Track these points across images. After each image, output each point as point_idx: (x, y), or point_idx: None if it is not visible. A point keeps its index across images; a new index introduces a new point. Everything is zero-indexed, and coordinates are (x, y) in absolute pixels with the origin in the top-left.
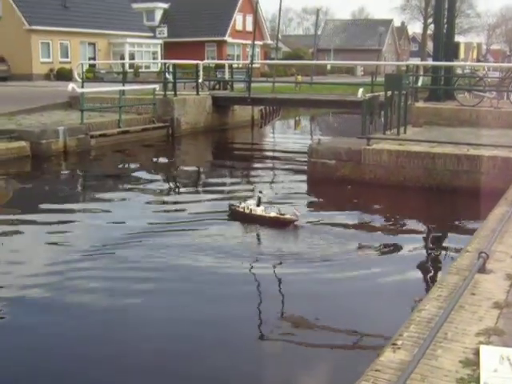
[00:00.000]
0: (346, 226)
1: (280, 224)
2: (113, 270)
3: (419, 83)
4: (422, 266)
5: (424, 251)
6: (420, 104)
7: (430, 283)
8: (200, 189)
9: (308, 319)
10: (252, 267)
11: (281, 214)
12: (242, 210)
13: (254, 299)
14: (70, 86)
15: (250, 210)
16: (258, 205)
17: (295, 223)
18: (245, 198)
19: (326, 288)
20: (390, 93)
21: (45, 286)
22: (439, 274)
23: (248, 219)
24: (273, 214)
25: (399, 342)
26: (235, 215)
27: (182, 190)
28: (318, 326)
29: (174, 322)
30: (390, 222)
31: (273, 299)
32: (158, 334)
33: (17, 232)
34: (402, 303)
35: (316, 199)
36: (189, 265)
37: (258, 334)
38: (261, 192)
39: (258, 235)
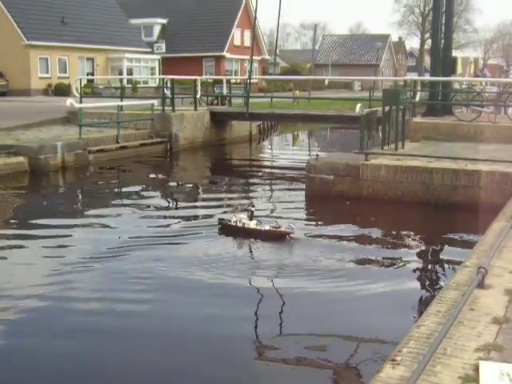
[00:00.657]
0: (344, 240)
1: (275, 237)
2: (107, 283)
3: (417, 98)
4: (420, 282)
5: (422, 266)
6: (418, 119)
7: (428, 298)
8: (197, 204)
9: (305, 334)
10: (249, 281)
11: (275, 227)
12: (233, 224)
13: (250, 313)
14: (69, 101)
15: (243, 223)
16: (251, 218)
17: (291, 235)
18: (235, 212)
19: (323, 302)
20: (387, 108)
21: (40, 301)
22: (438, 290)
23: (241, 233)
24: (267, 227)
25: (398, 358)
26: (226, 230)
27: (179, 204)
28: (316, 341)
29: (168, 335)
30: (389, 237)
31: (270, 314)
32: (151, 349)
33: (14, 247)
34: (401, 319)
35: (314, 214)
36: (183, 279)
37: (255, 349)
38: (253, 206)
39: (253, 249)
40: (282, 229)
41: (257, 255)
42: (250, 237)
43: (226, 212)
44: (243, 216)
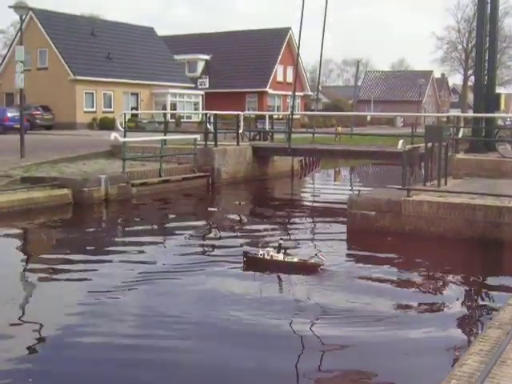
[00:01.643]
0: (385, 278)
1: (306, 269)
2: (143, 316)
3: (460, 134)
4: (463, 320)
5: (465, 305)
6: (461, 155)
7: (471, 337)
8: (238, 239)
9: (344, 377)
10: (285, 324)
11: (305, 260)
12: (261, 256)
13: (285, 353)
14: (113, 135)
15: (271, 256)
16: (279, 251)
17: (321, 268)
18: (262, 245)
19: (362, 343)
20: (430, 144)
21: (81, 334)
22: (481, 328)
23: (268, 266)
24: (296, 259)
25: None
26: (252, 263)
27: (219, 239)
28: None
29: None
30: (430, 275)
31: (307, 354)
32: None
33: (55, 279)
34: (443, 358)
35: (355, 250)
36: (216, 319)
37: None
38: (281, 239)
39: (285, 286)
40: (313, 261)
41: (290, 294)
42: (278, 270)
43: (264, 246)
44: (270, 249)
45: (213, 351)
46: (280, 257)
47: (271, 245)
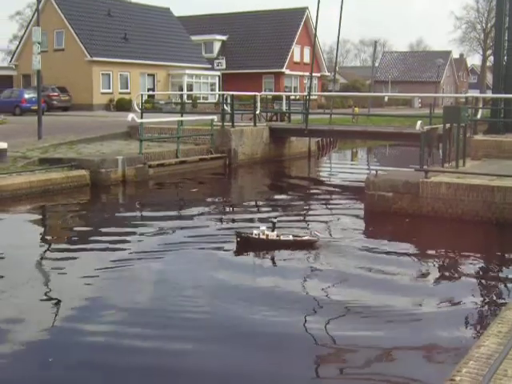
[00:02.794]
0: (401, 260)
1: (302, 246)
2: (155, 297)
3: (478, 115)
4: (480, 302)
5: (483, 286)
6: (479, 137)
7: (489, 319)
8: (255, 217)
9: (365, 348)
10: (304, 322)
11: (299, 237)
12: (256, 236)
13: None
14: (130, 116)
15: (267, 235)
16: (273, 230)
17: (316, 244)
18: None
19: (381, 315)
20: (448, 125)
21: (96, 315)
22: (499, 310)
23: (263, 246)
24: (291, 237)
25: (457, 378)
26: (246, 244)
27: (235, 220)
28: (377, 356)
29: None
30: (447, 256)
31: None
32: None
33: (72, 258)
34: (460, 338)
35: (373, 231)
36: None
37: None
38: (275, 217)
39: (310, 263)
40: (307, 238)
41: (314, 265)
42: (273, 248)
43: (281, 227)
44: (264, 228)
45: (222, 338)
46: (275, 236)
47: (289, 228)
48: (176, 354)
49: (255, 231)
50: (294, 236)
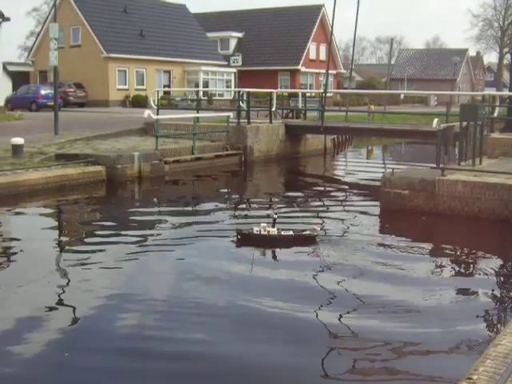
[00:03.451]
0: (416, 257)
1: (304, 241)
2: (173, 293)
3: (495, 114)
4: (497, 300)
5: (499, 285)
6: (496, 135)
7: (506, 318)
8: (269, 215)
9: (376, 348)
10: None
11: (299, 232)
12: (256, 232)
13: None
14: (147, 112)
15: (268, 231)
16: (273, 226)
17: (316, 238)
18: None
19: (398, 311)
20: (465, 123)
21: (113, 311)
22: None
23: (263, 242)
24: (291, 233)
25: (474, 377)
26: (246, 240)
27: (250, 215)
28: (391, 351)
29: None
30: (465, 254)
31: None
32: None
33: (89, 252)
34: (477, 337)
35: (388, 229)
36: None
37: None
38: (276, 213)
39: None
40: (307, 233)
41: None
42: (274, 244)
43: (297, 223)
44: (264, 224)
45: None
46: (276, 232)
47: (304, 224)
48: (195, 341)
49: (256, 228)
50: (294, 232)
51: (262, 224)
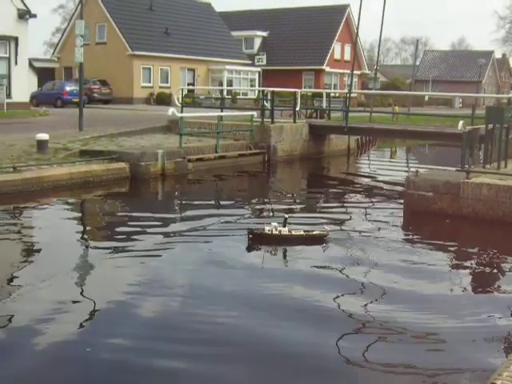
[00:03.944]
0: (438, 261)
1: (314, 240)
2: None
3: None
4: None
5: None
6: None
7: None
8: (294, 216)
9: (394, 357)
10: (339, 304)
11: (309, 231)
12: (268, 232)
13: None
14: (171, 110)
15: (279, 231)
16: (284, 225)
17: (326, 238)
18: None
19: (407, 323)
20: (491, 126)
21: (135, 304)
22: None
23: (274, 241)
24: (302, 232)
25: (498, 382)
26: (258, 239)
27: (270, 215)
28: (409, 363)
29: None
30: (488, 259)
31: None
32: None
33: (112, 248)
34: (499, 344)
35: (412, 231)
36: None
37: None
38: (286, 213)
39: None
40: (319, 232)
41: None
42: (285, 243)
43: (320, 224)
44: (275, 224)
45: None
46: (287, 231)
47: (313, 222)
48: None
49: (267, 227)
50: (304, 231)
51: (273, 223)
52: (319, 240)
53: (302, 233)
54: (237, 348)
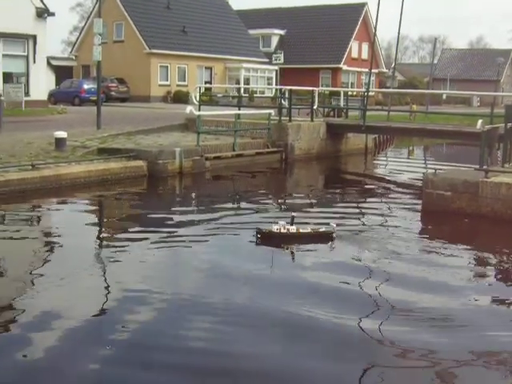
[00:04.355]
0: (459, 260)
1: (321, 238)
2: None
3: None
4: None
5: None
6: None
7: None
8: (309, 215)
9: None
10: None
11: (316, 229)
12: (277, 231)
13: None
14: (189, 108)
15: (288, 229)
16: (292, 224)
17: (333, 235)
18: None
19: (434, 313)
20: (510, 124)
21: (149, 302)
22: None
23: (283, 240)
24: (309, 230)
25: None
26: (266, 239)
27: (294, 218)
28: (423, 364)
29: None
30: (507, 260)
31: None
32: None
33: (129, 246)
34: None
35: (429, 231)
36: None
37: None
38: (294, 212)
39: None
40: (326, 229)
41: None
42: (294, 242)
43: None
44: (283, 222)
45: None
46: (295, 229)
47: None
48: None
49: (275, 226)
50: (312, 229)
51: (280, 222)
52: (326, 237)
53: (309, 230)
54: (238, 347)
